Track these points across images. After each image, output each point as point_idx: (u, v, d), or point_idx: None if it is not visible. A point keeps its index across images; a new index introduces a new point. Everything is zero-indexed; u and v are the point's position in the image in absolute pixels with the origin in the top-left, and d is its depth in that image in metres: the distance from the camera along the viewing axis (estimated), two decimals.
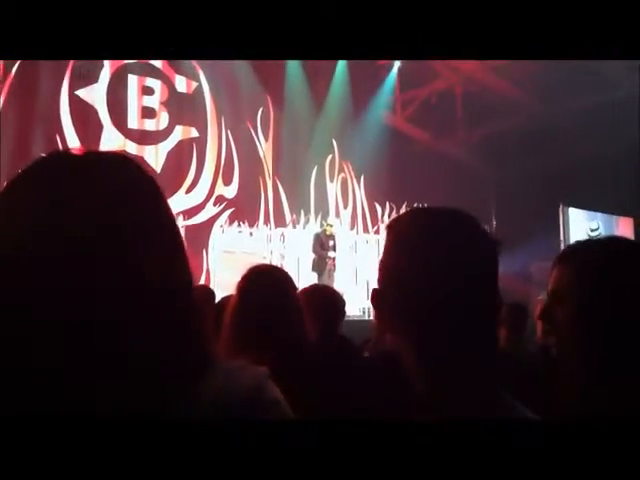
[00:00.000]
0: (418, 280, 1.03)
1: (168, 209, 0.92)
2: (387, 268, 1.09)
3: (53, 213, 0.81)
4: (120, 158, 0.90)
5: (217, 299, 3.97)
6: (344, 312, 3.48)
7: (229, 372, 0.89)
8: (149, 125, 11.90)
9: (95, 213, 0.82)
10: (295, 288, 2.34)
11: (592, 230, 14.39)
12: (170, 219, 0.91)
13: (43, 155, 0.89)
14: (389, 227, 1.13)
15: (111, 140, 11.20)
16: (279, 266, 2.48)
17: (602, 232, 14.46)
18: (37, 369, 0.78)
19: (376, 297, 1.09)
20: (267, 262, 10.00)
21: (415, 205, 10.21)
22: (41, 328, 0.78)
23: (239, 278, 2.26)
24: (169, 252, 0.89)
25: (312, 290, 3.40)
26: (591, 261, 1.26)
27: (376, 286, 1.11)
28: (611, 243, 1.34)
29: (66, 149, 0.92)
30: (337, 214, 14.01)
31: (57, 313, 0.78)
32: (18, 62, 10.14)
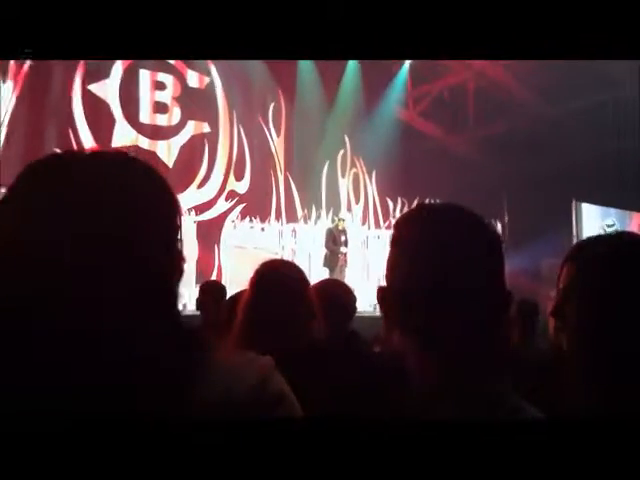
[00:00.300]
0: (422, 278, 1.04)
1: (175, 211, 0.92)
2: (392, 266, 1.09)
3: (57, 213, 0.82)
4: (129, 159, 0.91)
5: (229, 295, 3.99)
6: (355, 307, 3.48)
7: (233, 369, 0.90)
8: (161, 120, 11.92)
9: (100, 214, 0.82)
10: (308, 283, 2.34)
11: (608, 226, 14.31)
12: (175, 222, 0.92)
13: (50, 154, 0.90)
14: (395, 225, 1.14)
15: (123, 135, 11.24)
16: (292, 261, 2.50)
17: (617, 228, 14.38)
18: (39, 370, 0.79)
19: (382, 295, 1.10)
20: (279, 257, 10.01)
21: (426, 200, 10.20)
22: (43, 326, 0.79)
23: (251, 273, 2.27)
24: (172, 253, 0.90)
25: (323, 285, 3.40)
26: (598, 257, 1.26)
27: (383, 283, 1.11)
28: (619, 239, 1.33)
29: (73, 149, 0.92)
30: (349, 209, 14.00)
31: (58, 313, 0.79)
32: None
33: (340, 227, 11.10)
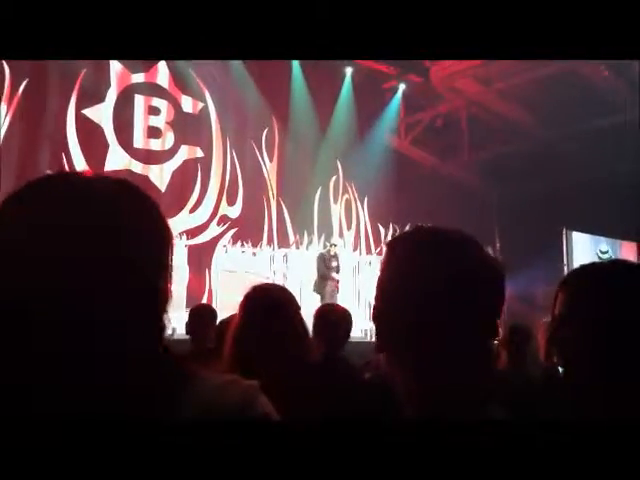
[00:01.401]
0: (410, 296, 1.04)
1: (167, 238, 0.93)
2: (382, 285, 1.10)
3: (49, 233, 0.82)
4: (123, 184, 0.92)
5: (219, 319, 3.97)
6: (349, 332, 3.49)
7: (218, 387, 0.90)
8: (155, 145, 11.95)
9: (92, 240, 0.83)
10: (297, 307, 2.35)
11: (602, 252, 14.37)
12: (167, 249, 0.93)
13: (43, 176, 0.91)
14: (388, 245, 1.14)
15: (117, 159, 11.26)
16: (282, 285, 2.51)
17: (611, 255, 14.45)
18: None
19: (375, 314, 1.10)
20: (270, 282, 9.99)
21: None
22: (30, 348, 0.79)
23: (241, 298, 2.28)
24: (162, 280, 0.91)
25: (321, 309, 3.44)
26: (592, 284, 1.27)
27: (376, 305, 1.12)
28: (612, 266, 1.34)
29: (69, 173, 0.93)
30: (340, 235, 14.01)
31: (45, 334, 0.80)
32: (25, 81, 10.23)
33: (332, 252, 11.09)
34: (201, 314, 4.43)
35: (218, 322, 3.77)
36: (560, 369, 1.31)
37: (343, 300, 11.04)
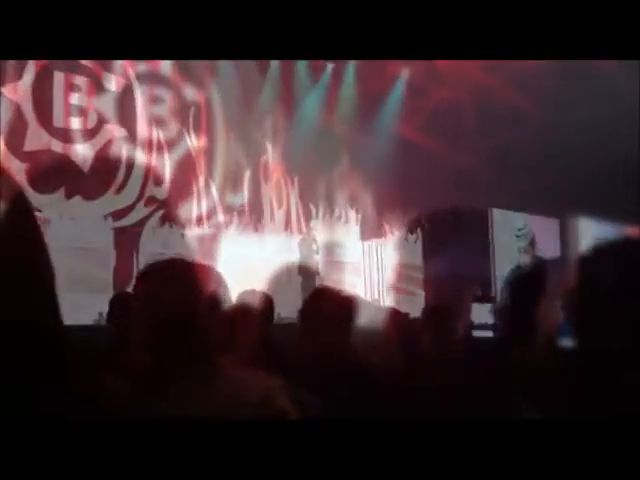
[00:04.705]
0: None
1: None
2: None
3: None
4: None
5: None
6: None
7: (240, 380, 0.90)
8: (76, 124, 11.12)
9: None
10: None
11: (519, 230, 14.36)
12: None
13: None
14: None
15: (36, 139, 10.59)
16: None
17: (528, 231, 14.40)
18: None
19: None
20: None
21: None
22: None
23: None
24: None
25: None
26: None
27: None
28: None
29: None
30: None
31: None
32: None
33: (312, 237, 11.33)
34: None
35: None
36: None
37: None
